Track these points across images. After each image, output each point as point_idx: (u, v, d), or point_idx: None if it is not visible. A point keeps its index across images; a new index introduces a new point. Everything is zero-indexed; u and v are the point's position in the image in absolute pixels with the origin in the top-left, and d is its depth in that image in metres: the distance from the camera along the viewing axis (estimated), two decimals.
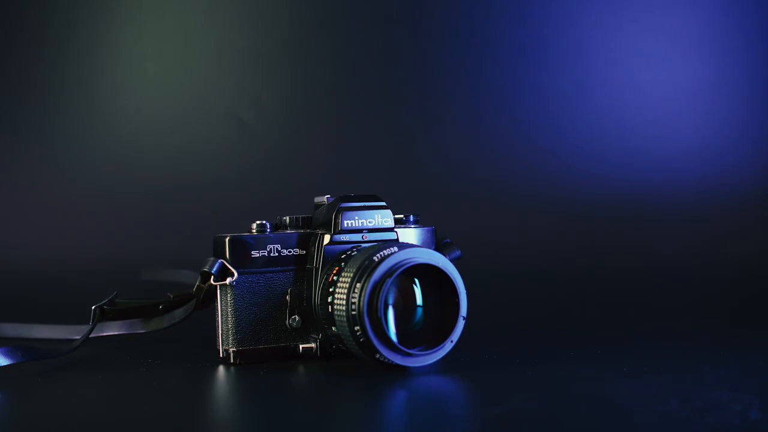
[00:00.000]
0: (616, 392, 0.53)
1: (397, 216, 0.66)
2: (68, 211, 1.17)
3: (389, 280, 0.56)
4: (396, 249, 0.58)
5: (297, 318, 0.63)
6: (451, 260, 0.63)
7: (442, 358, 0.59)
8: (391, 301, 0.58)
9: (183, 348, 0.70)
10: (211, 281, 0.62)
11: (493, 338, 0.67)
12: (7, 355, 0.61)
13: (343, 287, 0.58)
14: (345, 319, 0.57)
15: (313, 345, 0.63)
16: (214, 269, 0.62)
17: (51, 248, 1.13)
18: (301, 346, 0.63)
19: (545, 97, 1.19)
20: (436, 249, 0.65)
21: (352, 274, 0.58)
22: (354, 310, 0.56)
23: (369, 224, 0.62)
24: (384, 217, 0.63)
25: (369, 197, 0.64)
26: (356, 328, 0.57)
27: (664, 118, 1.17)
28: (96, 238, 1.15)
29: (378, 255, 0.58)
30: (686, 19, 1.18)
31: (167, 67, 1.23)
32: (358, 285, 0.57)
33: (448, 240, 0.67)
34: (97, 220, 1.17)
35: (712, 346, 0.68)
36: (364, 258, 0.58)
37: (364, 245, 0.61)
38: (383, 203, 0.63)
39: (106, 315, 0.69)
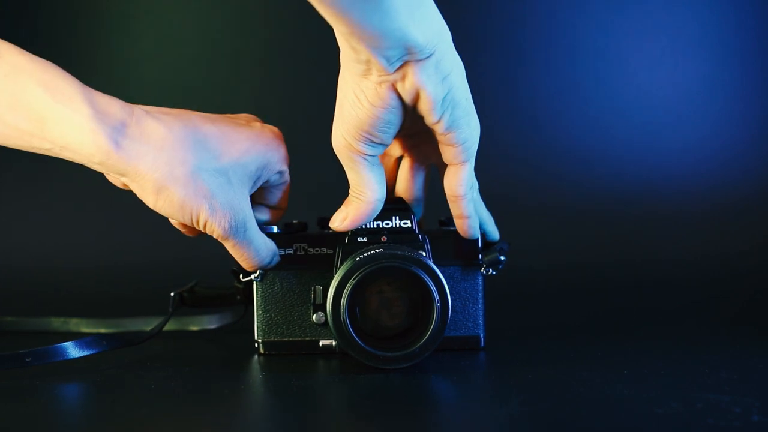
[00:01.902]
0: (616, 394, 0.53)
1: (447, 217, 0.67)
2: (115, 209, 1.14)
3: (351, 282, 0.59)
4: (377, 251, 0.60)
5: (322, 314, 0.65)
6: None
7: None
8: (360, 302, 0.60)
9: (238, 337, 0.74)
10: (240, 278, 0.66)
11: (492, 339, 0.67)
12: (91, 344, 0.63)
13: (332, 287, 0.60)
14: (329, 318, 0.60)
15: (332, 341, 0.65)
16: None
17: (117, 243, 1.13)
18: (321, 342, 0.65)
19: (544, 96, 1.19)
20: (481, 251, 0.66)
21: (339, 275, 0.60)
22: (329, 309, 0.59)
23: (387, 226, 0.63)
24: (403, 219, 0.64)
25: (393, 200, 0.65)
26: (331, 326, 0.60)
27: (665, 118, 1.17)
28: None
29: (358, 257, 0.60)
30: (688, 19, 1.18)
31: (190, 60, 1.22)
32: (332, 285, 0.60)
33: (502, 246, 0.67)
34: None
35: (712, 346, 0.68)
36: (351, 260, 0.60)
37: (379, 247, 0.62)
38: (404, 206, 0.65)
39: (185, 302, 0.73)
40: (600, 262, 1.07)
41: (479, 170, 0.63)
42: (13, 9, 1.19)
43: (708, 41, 1.18)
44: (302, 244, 0.66)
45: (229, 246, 0.61)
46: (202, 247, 1.03)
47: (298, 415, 0.52)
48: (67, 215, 1.17)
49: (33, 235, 1.16)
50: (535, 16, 1.20)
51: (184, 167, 0.57)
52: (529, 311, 0.89)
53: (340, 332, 0.59)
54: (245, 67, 1.22)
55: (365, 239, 0.63)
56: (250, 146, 0.61)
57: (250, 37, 1.22)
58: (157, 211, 0.59)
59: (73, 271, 1.09)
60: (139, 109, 0.58)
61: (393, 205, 0.64)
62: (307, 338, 0.66)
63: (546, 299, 0.96)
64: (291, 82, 1.21)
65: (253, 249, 0.61)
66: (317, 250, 0.66)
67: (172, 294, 0.73)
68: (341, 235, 0.64)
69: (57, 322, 0.79)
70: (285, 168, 0.64)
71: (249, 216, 0.60)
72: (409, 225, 0.64)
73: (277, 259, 0.64)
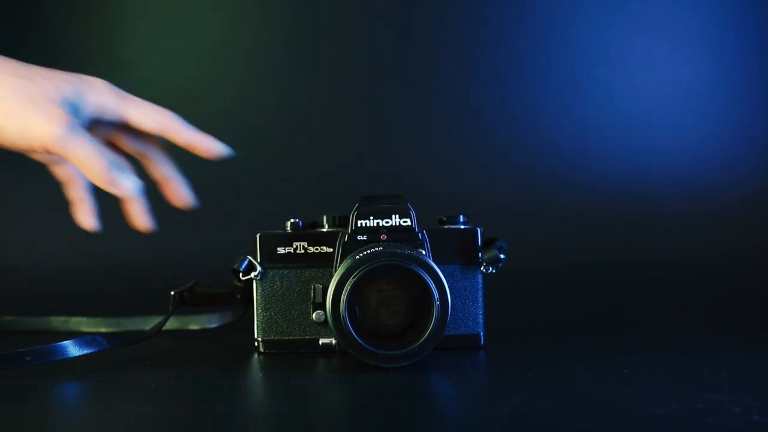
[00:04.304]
0: (616, 394, 0.53)
1: (447, 216, 0.67)
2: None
3: (351, 280, 0.58)
4: (377, 249, 0.60)
5: (321, 313, 0.65)
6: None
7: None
8: (360, 300, 0.60)
9: (238, 336, 0.74)
10: (240, 277, 0.66)
11: (492, 338, 0.67)
12: (90, 343, 0.63)
13: (331, 285, 0.60)
14: (329, 316, 0.60)
15: (332, 340, 0.65)
16: (242, 266, 0.65)
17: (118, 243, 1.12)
18: (321, 341, 0.65)
19: (544, 96, 1.19)
20: (481, 249, 0.66)
21: (338, 274, 0.60)
22: (329, 307, 0.59)
23: (386, 224, 0.63)
24: (402, 217, 0.63)
25: (392, 197, 0.65)
26: (330, 325, 0.60)
27: (665, 118, 1.17)
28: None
29: (358, 256, 0.60)
30: (688, 19, 1.18)
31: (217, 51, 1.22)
32: (332, 283, 0.60)
33: (501, 244, 0.67)
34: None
35: (712, 346, 0.68)
36: (351, 258, 0.60)
37: (379, 245, 0.61)
38: (403, 204, 0.64)
39: (185, 301, 0.74)
40: (600, 262, 1.07)
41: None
42: (11, 8, 1.19)
43: (708, 41, 1.18)
44: (302, 243, 0.66)
45: (76, 149, 0.63)
46: (201, 246, 1.03)
47: (298, 413, 0.52)
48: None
49: (33, 234, 1.16)
50: (534, 16, 1.20)
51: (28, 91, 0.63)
52: (529, 311, 0.89)
53: (339, 331, 0.59)
54: (245, 67, 1.22)
55: (365, 237, 0.63)
56: (66, 76, 0.66)
57: (250, 37, 1.22)
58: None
59: (74, 270, 1.09)
60: None
61: (393, 202, 0.64)
62: (306, 337, 0.66)
63: (546, 299, 0.96)
64: (291, 82, 1.21)
65: (97, 149, 0.63)
66: (317, 249, 0.66)
67: (172, 293, 0.73)
68: (341, 233, 0.64)
69: (57, 322, 0.79)
70: (107, 102, 0.68)
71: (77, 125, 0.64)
72: (409, 223, 0.64)
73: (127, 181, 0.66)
